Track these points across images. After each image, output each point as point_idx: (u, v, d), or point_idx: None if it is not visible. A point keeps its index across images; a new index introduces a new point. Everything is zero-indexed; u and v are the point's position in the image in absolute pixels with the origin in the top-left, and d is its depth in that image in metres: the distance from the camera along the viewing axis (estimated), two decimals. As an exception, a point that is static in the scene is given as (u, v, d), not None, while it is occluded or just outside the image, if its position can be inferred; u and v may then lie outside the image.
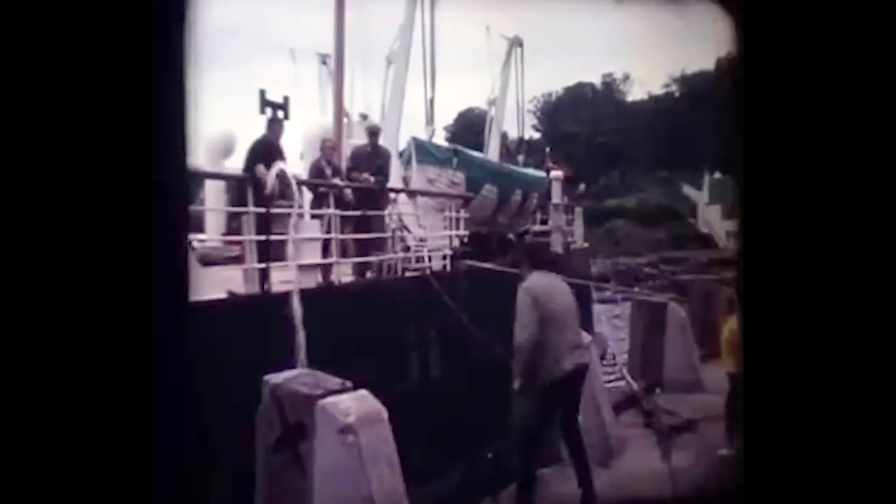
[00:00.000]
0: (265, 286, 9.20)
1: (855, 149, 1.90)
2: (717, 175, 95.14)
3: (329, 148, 12.45)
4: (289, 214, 10.09)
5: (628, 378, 12.46)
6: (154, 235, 1.82)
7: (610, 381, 13.67)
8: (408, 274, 12.58)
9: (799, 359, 1.94)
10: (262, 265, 9.29)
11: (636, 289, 24.87)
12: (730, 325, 9.69)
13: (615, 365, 15.36)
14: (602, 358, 14.74)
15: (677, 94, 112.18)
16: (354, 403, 5.77)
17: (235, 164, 12.54)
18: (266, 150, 10.51)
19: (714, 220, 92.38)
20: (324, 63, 19.40)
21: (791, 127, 1.94)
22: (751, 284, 2.03)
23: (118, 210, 1.80)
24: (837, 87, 1.91)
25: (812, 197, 1.93)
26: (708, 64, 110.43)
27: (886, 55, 1.87)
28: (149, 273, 1.82)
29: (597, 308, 21.65)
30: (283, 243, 9.92)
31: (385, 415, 5.83)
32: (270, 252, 9.46)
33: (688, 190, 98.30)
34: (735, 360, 9.63)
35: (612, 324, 22.33)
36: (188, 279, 2.01)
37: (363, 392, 5.96)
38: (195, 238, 10.03)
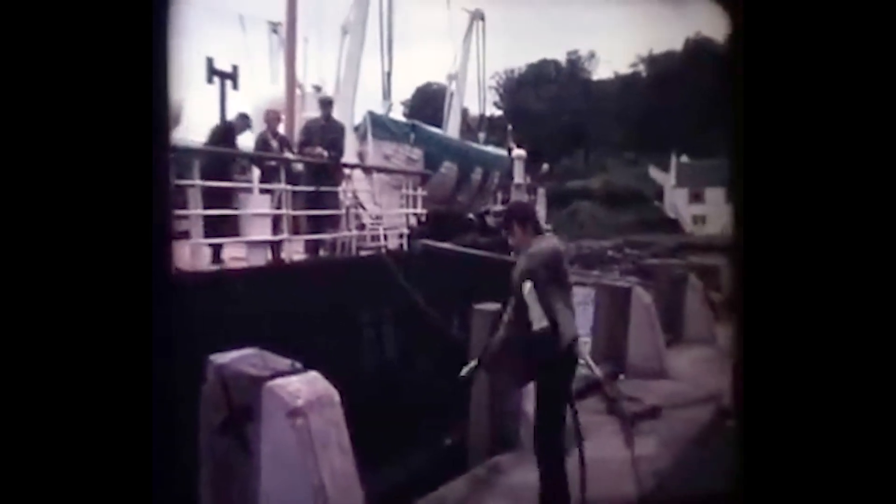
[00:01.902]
0: (215, 262, 9.11)
1: (855, 145, 1.90)
2: (685, 158, 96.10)
3: (273, 118, 12.35)
4: (236, 189, 10.00)
5: (591, 364, 12.50)
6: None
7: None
8: (362, 253, 12.54)
9: (799, 357, 1.94)
10: (211, 241, 9.20)
11: (600, 273, 25.05)
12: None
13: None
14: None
15: (644, 75, 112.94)
16: (304, 386, 5.71)
17: (183, 134, 12.40)
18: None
19: (681, 203, 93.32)
20: (275, 32, 19.16)
21: (791, 123, 1.94)
22: (750, 283, 2.02)
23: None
24: (837, 81, 1.90)
25: (812, 193, 1.93)
26: (676, 45, 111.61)
27: (886, 52, 1.86)
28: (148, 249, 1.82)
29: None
30: (232, 219, 9.83)
31: (337, 398, 5.77)
32: (219, 228, 9.37)
33: (654, 172, 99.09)
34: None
35: (576, 308, 22.41)
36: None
37: (314, 374, 5.89)
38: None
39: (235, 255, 9.41)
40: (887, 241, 1.85)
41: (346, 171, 13.30)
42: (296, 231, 11.18)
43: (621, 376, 12.42)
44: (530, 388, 8.66)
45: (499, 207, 22.36)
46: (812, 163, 1.90)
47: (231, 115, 11.68)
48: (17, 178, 1.75)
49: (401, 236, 13.86)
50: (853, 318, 1.90)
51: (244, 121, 11.97)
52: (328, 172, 12.57)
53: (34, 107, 1.77)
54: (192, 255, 9.18)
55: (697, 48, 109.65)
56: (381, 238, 13.39)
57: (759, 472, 1.99)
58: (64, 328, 1.79)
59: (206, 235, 9.46)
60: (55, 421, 1.79)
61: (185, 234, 9.39)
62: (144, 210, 1.84)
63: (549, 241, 6.59)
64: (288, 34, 14.61)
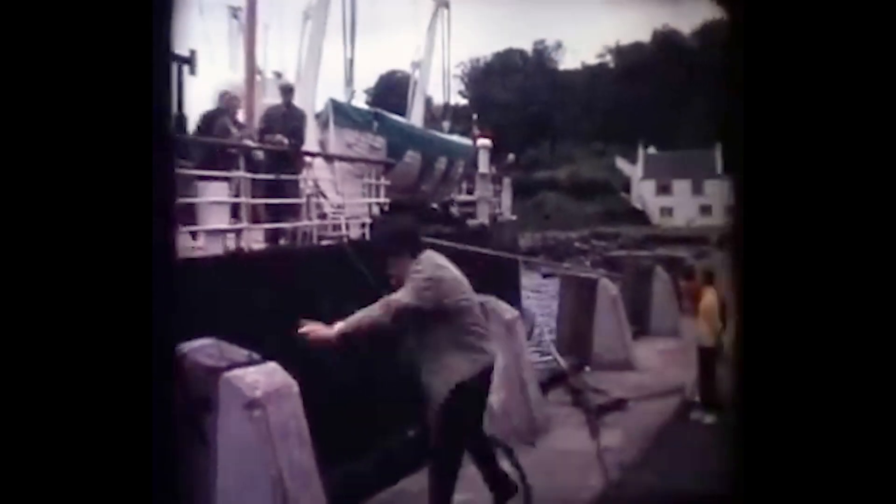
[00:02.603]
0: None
1: (856, 142, 1.90)
2: (652, 150, 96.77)
3: (229, 101, 12.23)
4: (194, 176, 9.90)
5: (556, 355, 12.57)
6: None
7: (537, 359, 13.81)
8: (324, 242, 12.46)
9: (800, 355, 1.94)
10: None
11: (566, 264, 25.16)
12: (706, 298, 9.88)
13: (543, 342, 15.49)
14: (529, 335, 14.85)
15: (612, 66, 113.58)
16: (262, 377, 5.66)
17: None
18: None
19: (648, 195, 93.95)
20: (234, 16, 18.98)
21: (791, 115, 1.94)
22: (751, 281, 2.02)
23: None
24: (840, 75, 1.90)
25: (813, 187, 1.92)
26: (645, 36, 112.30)
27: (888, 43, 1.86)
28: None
29: (525, 282, 21.79)
30: (189, 207, 9.73)
31: (295, 389, 5.73)
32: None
33: (621, 164, 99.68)
34: (706, 333, 9.90)
35: (541, 299, 22.52)
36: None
37: (272, 365, 5.85)
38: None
39: (191, 244, 9.30)
40: (890, 236, 1.85)
41: (307, 158, 13.22)
42: (255, 220, 11.09)
43: (587, 368, 12.49)
44: (493, 378, 8.70)
45: (463, 197, 22.39)
46: (813, 156, 1.90)
47: (189, 101, 11.58)
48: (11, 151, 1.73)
49: (363, 226, 13.79)
50: (856, 313, 1.89)
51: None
52: (289, 160, 12.49)
53: (32, 85, 1.76)
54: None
55: (665, 40, 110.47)
56: (343, 227, 13.31)
57: (759, 471, 1.98)
58: (64, 312, 1.78)
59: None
60: (52, 403, 1.79)
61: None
62: (145, 195, 1.81)
63: (431, 267, 5.74)
64: (248, 19, 14.44)
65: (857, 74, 1.85)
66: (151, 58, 1.83)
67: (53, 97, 1.76)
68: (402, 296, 5.65)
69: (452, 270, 5.87)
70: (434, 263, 5.79)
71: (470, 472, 7.02)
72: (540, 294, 23.61)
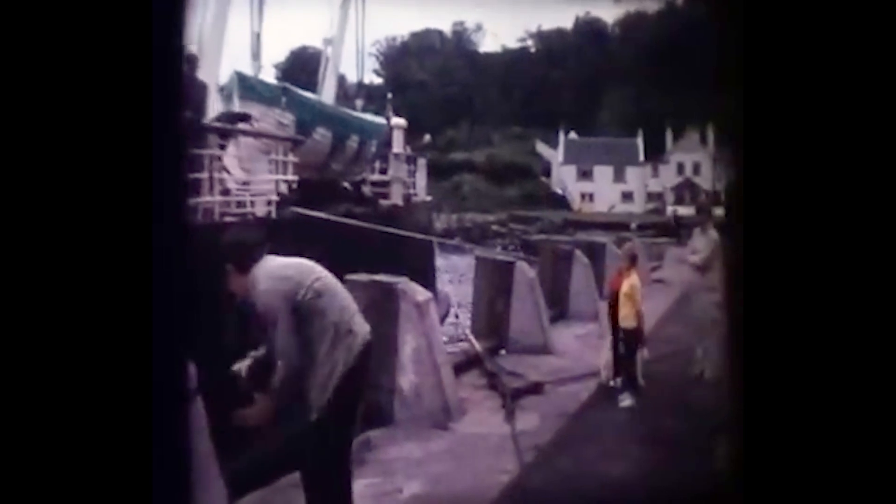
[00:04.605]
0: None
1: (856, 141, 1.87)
2: (573, 135, 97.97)
3: None
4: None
5: (471, 338, 12.56)
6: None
7: (451, 342, 13.82)
8: (227, 219, 12.26)
9: (801, 354, 1.91)
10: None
11: (483, 247, 25.24)
12: (630, 281, 9.95)
13: (458, 324, 15.52)
14: (444, 317, 14.84)
15: (533, 50, 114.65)
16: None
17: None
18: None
19: (569, 180, 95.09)
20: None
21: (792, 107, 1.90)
22: (751, 280, 1.97)
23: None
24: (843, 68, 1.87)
25: (813, 186, 1.89)
26: (567, 22, 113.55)
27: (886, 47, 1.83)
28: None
29: (440, 264, 21.82)
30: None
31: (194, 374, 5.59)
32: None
33: (542, 148, 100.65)
34: (630, 315, 9.97)
35: (457, 282, 22.58)
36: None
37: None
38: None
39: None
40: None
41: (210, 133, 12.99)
42: (153, 195, 10.84)
43: (502, 351, 12.51)
44: (405, 361, 8.65)
45: (377, 177, 22.30)
46: (813, 146, 1.87)
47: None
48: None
49: (269, 203, 13.63)
50: (863, 310, 1.87)
51: None
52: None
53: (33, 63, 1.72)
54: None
55: (587, 27, 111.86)
56: (248, 204, 13.14)
57: (759, 470, 1.95)
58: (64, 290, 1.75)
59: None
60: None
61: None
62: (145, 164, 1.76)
63: (274, 270, 5.35)
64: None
65: (855, 58, 1.83)
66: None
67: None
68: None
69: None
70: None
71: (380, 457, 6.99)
72: (452, 274, 23.70)
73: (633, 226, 67.51)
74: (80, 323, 1.71)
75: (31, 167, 1.69)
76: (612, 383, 10.23)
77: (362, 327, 5.52)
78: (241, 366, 5.68)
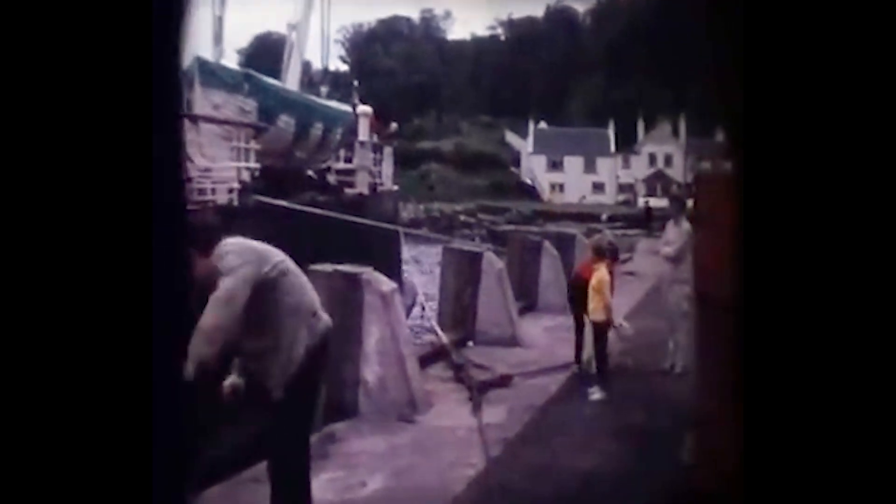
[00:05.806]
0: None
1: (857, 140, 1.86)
2: (543, 125, 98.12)
3: None
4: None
5: (438, 330, 12.53)
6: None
7: (418, 333, 13.78)
8: (187, 207, 12.16)
9: (802, 353, 1.90)
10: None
11: (450, 237, 25.21)
12: (599, 274, 9.96)
13: (424, 316, 15.48)
14: (410, 308, 14.80)
15: (503, 39, 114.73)
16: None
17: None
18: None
19: (538, 170, 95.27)
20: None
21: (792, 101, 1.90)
22: (751, 279, 1.96)
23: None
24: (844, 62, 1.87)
25: (812, 184, 1.88)
26: (538, 10, 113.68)
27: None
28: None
29: (406, 255, 21.77)
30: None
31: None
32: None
33: (511, 138, 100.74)
34: (599, 308, 9.97)
35: (423, 272, 22.54)
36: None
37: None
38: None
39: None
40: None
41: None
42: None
43: (470, 343, 12.49)
44: (370, 353, 8.62)
45: (342, 165, 22.22)
46: (814, 138, 1.86)
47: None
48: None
49: (231, 191, 13.54)
50: (864, 310, 1.86)
51: None
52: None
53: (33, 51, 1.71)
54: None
55: (558, 15, 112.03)
56: (209, 192, 13.05)
57: (759, 472, 1.95)
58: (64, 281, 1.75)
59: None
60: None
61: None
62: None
63: (238, 247, 5.30)
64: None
65: (857, 46, 1.83)
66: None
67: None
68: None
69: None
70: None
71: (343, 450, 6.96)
72: (420, 265, 23.69)
73: (604, 217, 67.93)
74: (80, 321, 1.71)
75: (31, 167, 1.67)
76: (587, 372, 10.29)
77: (324, 314, 5.57)
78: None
